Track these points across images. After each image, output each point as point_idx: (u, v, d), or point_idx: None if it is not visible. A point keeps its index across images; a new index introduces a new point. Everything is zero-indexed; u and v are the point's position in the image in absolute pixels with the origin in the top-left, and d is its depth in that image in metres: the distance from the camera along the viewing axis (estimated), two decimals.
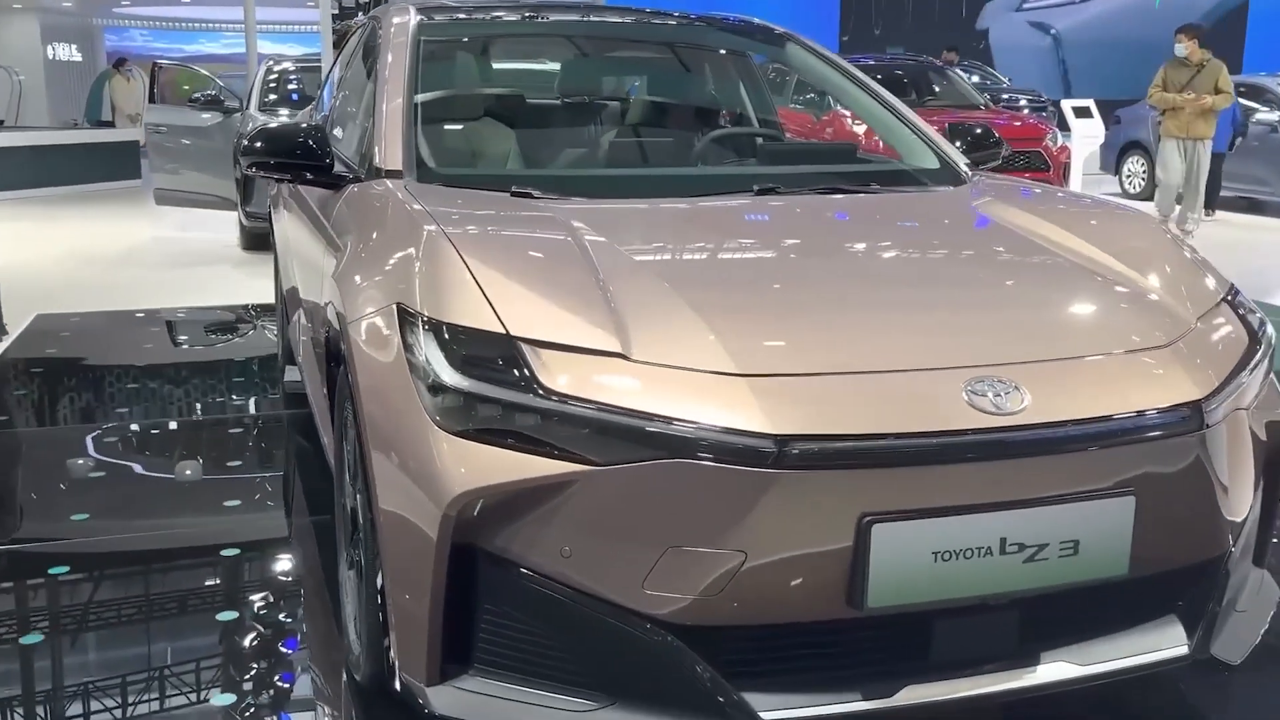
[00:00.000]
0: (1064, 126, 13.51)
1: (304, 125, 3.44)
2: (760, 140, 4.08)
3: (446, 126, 3.91)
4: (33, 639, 3.14)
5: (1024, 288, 2.75)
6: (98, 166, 16.07)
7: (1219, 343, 2.58)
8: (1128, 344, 2.46)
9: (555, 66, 4.63)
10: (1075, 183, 12.75)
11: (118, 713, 2.83)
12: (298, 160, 3.31)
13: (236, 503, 4.18)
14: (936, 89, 13.23)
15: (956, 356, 2.31)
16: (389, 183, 3.12)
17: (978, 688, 2.31)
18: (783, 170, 3.62)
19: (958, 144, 3.90)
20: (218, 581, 3.60)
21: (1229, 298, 2.77)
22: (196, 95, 10.66)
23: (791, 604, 2.17)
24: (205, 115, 10.46)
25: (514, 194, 3.04)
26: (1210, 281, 2.81)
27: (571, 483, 2.14)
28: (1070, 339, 2.48)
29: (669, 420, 2.12)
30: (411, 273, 2.47)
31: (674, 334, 2.27)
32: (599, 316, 2.29)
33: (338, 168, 3.40)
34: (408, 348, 2.32)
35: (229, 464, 4.67)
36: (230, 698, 2.83)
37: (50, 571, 3.56)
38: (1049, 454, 2.24)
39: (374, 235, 2.85)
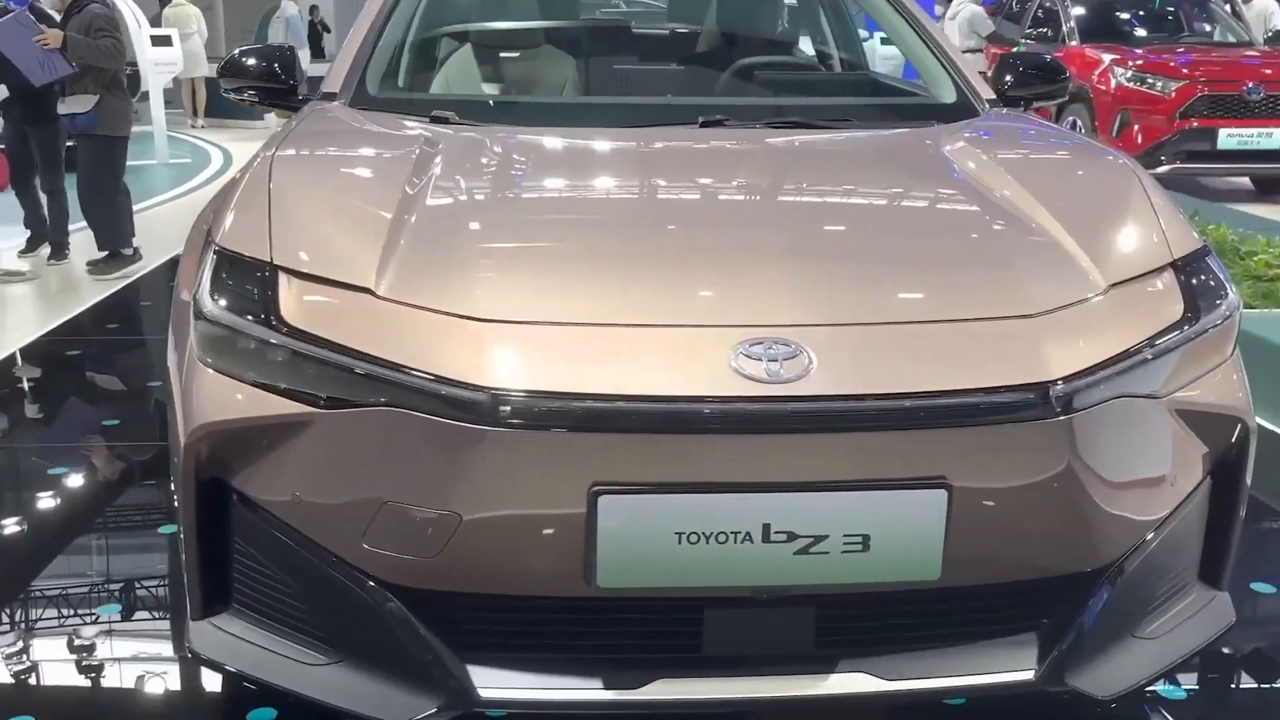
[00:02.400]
0: None
1: (278, 48, 3.41)
2: (768, 71, 3.72)
3: (428, 54, 3.79)
4: None
5: (891, 243, 2.37)
6: None
7: (1128, 315, 2.14)
8: (980, 312, 2.07)
9: None
10: None
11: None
12: (264, 84, 3.30)
13: None
14: (1204, 24, 11.90)
15: (738, 315, 2.01)
16: (321, 105, 3.07)
17: (752, 690, 2.04)
18: (755, 102, 3.30)
19: (1008, 77, 3.43)
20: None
21: (1181, 263, 2.29)
22: None
23: (524, 576, 1.97)
24: None
25: (433, 119, 2.91)
26: (1160, 244, 2.33)
27: (300, 425, 2.01)
28: (901, 303, 2.12)
29: (389, 365, 1.95)
30: (229, 199, 2.40)
31: (435, 271, 2.09)
32: (368, 248, 2.13)
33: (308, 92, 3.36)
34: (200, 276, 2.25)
35: None
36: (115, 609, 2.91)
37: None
38: (830, 432, 1.92)
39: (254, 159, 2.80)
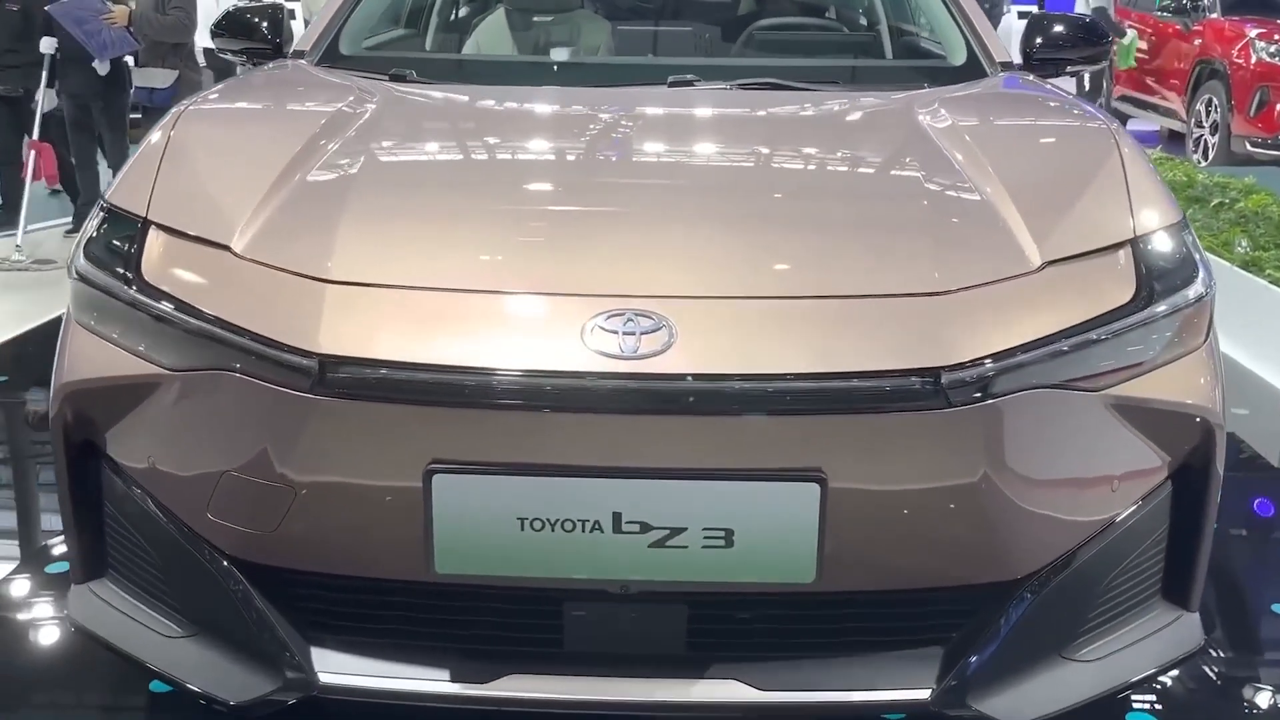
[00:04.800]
0: None
1: (271, 6, 3.34)
2: (770, 33, 3.48)
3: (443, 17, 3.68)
4: None
5: (798, 210, 2.15)
6: None
7: (1062, 296, 1.89)
8: (877, 288, 1.85)
9: None
10: None
11: None
12: (250, 44, 3.23)
13: None
14: None
15: (599, 284, 1.84)
16: (282, 63, 3.00)
17: (615, 693, 1.87)
18: (730, 63, 3.09)
19: (1038, 39, 3.13)
20: None
21: (1143, 240, 2.02)
22: None
23: (364, 557, 1.84)
24: None
25: (392, 77, 2.81)
26: (1122, 218, 2.05)
27: (152, 387, 1.92)
28: (786, 277, 1.91)
29: (226, 326, 1.84)
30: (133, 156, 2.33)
31: (292, 230, 1.97)
32: (241, 206, 2.02)
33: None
34: None
35: None
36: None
37: None
38: (688, 414, 1.74)
39: None
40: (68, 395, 2.01)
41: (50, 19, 6.52)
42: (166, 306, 1.90)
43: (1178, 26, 10.47)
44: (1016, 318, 1.83)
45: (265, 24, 3.18)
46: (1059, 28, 3.13)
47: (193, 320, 1.87)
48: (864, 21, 3.90)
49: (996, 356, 1.77)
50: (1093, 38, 3.12)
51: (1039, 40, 3.10)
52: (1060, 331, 1.83)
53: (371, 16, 3.33)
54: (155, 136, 2.26)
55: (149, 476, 1.96)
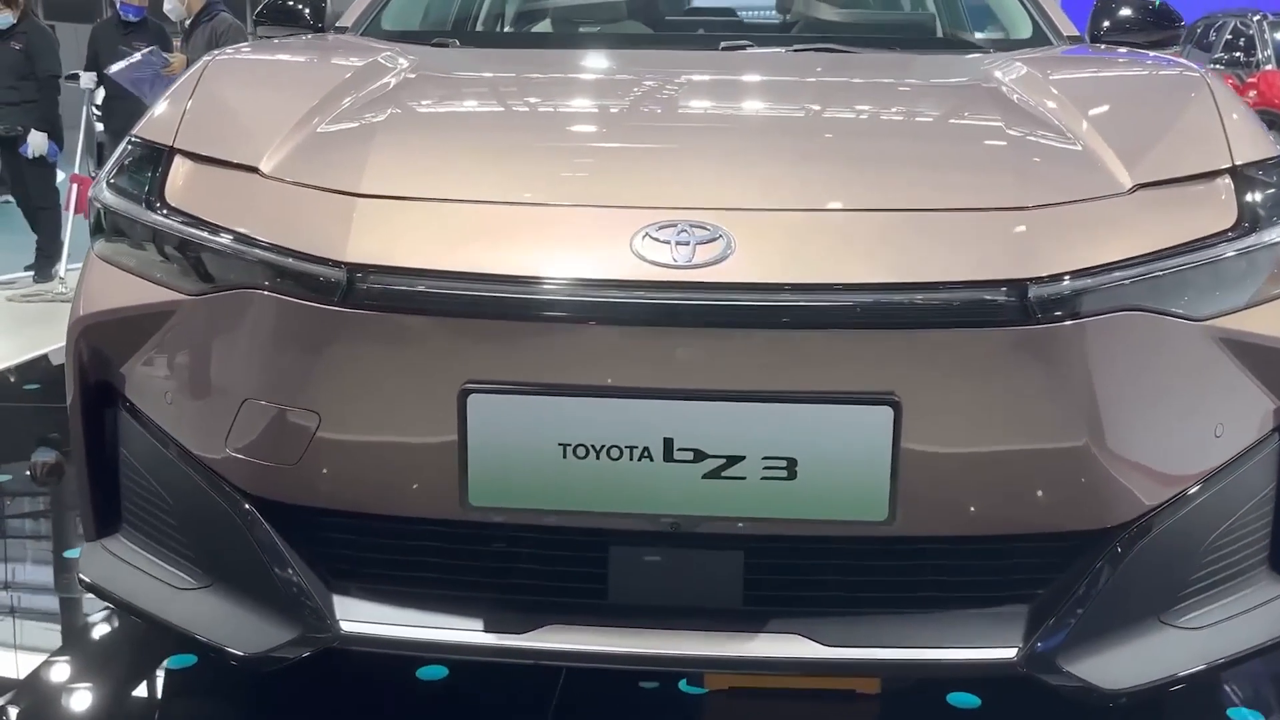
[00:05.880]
0: None
1: None
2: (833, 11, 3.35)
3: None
4: None
5: (864, 129, 2.02)
6: None
7: (1156, 218, 1.73)
8: (955, 202, 1.70)
9: None
10: None
11: None
12: (295, 29, 3.17)
13: None
14: None
15: (649, 195, 1.70)
16: (326, 36, 2.92)
17: (656, 646, 1.69)
18: (786, 35, 2.97)
19: (1105, 23, 2.98)
20: None
21: (1244, 169, 1.85)
22: None
23: (392, 491, 1.69)
24: None
25: (434, 44, 2.72)
26: (1218, 148, 1.88)
27: (171, 314, 1.81)
28: (854, 189, 1.75)
29: (249, 241, 1.72)
30: None
31: (325, 149, 1.86)
32: (271, 133, 1.91)
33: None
34: None
35: None
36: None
37: None
38: (748, 328, 1.58)
39: None
40: (84, 330, 1.90)
41: (31, 57, 6.52)
42: (189, 228, 1.79)
43: (1233, 79, 10.32)
44: (1107, 236, 1.67)
45: (308, 10, 3.11)
46: (1127, 10, 2.99)
47: (216, 238, 1.75)
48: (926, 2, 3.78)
49: (1087, 272, 1.61)
50: (1164, 21, 2.97)
51: (1106, 23, 2.95)
52: (1156, 251, 1.67)
53: (414, 5, 3.25)
54: (186, 77, 2.17)
55: (166, 412, 1.83)
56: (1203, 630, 1.78)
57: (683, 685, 2.13)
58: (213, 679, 2.20)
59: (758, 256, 1.60)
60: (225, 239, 1.74)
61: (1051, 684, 1.66)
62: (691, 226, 1.62)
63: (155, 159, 1.93)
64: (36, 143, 6.54)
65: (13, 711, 2.09)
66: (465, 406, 1.60)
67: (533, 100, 2.27)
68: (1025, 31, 2.90)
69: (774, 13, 3.52)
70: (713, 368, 1.58)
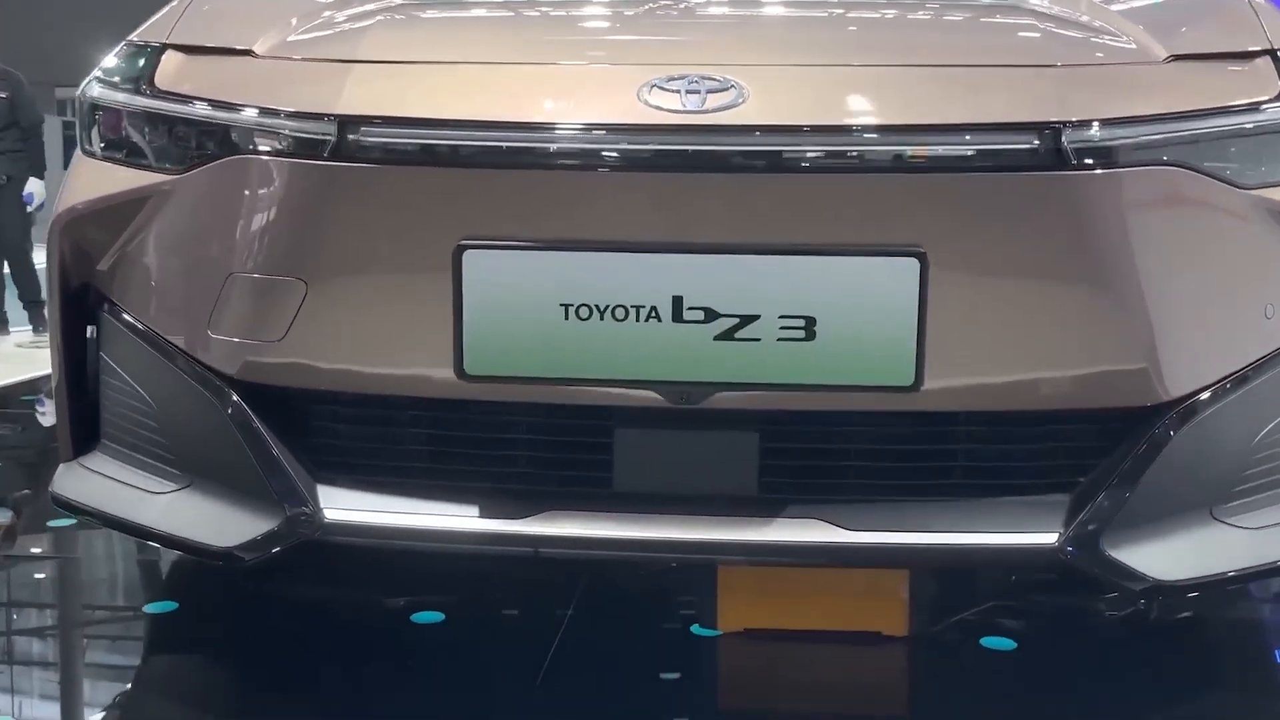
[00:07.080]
0: None
1: None
2: None
3: None
4: None
5: (899, 9, 1.91)
6: None
7: (1193, 83, 1.63)
8: (982, 59, 1.61)
9: None
10: None
11: None
12: None
13: None
14: None
15: (658, 52, 1.62)
16: None
17: (665, 531, 1.56)
18: None
19: None
20: None
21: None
22: None
23: (382, 365, 1.58)
24: None
25: None
26: (1255, 32, 1.79)
27: (153, 196, 1.72)
28: (874, 45, 1.67)
29: (234, 107, 1.64)
30: None
31: (321, 28, 1.79)
32: (269, 25, 1.84)
33: None
34: None
35: None
36: None
37: None
38: (764, 173, 1.48)
39: None
40: (66, 225, 1.81)
41: (15, 106, 6.54)
42: (176, 105, 1.71)
43: None
44: (1144, 93, 1.58)
45: None
46: None
47: (203, 111, 1.68)
48: None
49: (1123, 121, 1.51)
50: None
51: None
52: (1196, 110, 1.57)
53: None
54: None
55: (149, 304, 1.73)
56: (1259, 531, 1.64)
57: (694, 629, 1.99)
58: (196, 627, 2.06)
59: (773, 102, 1.51)
60: (213, 110, 1.66)
61: (1097, 573, 1.52)
62: (702, 78, 1.54)
63: (148, 55, 1.87)
64: (38, 189, 6.55)
65: None
66: (460, 265, 1.50)
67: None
68: None
69: None
70: (725, 219, 1.48)
